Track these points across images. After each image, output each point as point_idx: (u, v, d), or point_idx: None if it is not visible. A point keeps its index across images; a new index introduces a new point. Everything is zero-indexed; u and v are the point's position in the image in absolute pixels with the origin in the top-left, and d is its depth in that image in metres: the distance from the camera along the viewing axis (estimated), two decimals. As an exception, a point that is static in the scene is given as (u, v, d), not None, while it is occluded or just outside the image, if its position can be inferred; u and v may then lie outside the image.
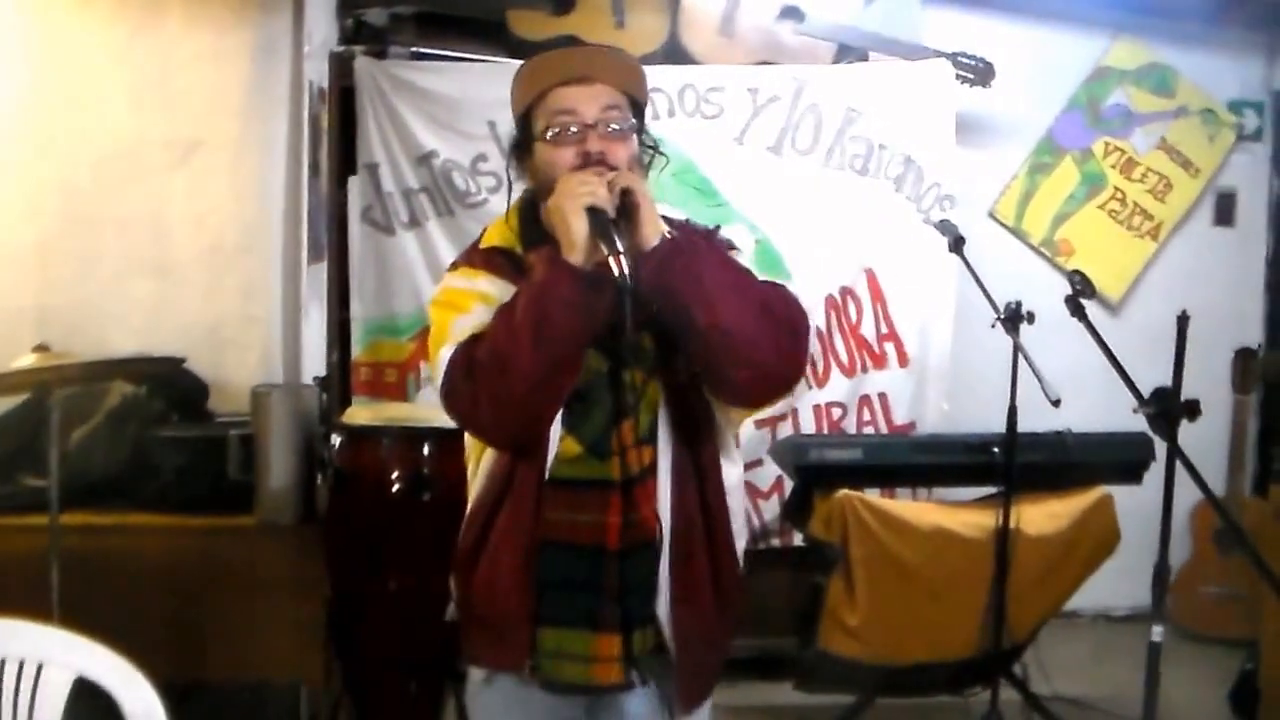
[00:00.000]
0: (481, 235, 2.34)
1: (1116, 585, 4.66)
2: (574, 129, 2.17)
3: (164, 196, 4.15)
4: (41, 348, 3.27)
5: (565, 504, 2.21)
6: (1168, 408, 3.08)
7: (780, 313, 2.18)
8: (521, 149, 2.26)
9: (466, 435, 2.28)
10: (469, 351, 2.09)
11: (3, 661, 2.30)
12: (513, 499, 2.19)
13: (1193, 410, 3.08)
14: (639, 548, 2.22)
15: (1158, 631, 3.21)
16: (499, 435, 2.17)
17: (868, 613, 4.11)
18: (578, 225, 2.05)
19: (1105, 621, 5.58)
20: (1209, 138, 5.56)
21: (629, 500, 2.22)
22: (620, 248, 2.02)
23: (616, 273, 2.00)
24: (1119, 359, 3.39)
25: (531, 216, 2.25)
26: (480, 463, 2.26)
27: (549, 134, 2.18)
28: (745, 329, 2.09)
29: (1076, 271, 3.43)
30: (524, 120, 2.24)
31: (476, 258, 2.25)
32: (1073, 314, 3.46)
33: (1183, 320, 3.30)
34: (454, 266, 2.28)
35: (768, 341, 2.12)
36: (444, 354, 2.12)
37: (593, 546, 2.21)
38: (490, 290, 2.18)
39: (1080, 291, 3.43)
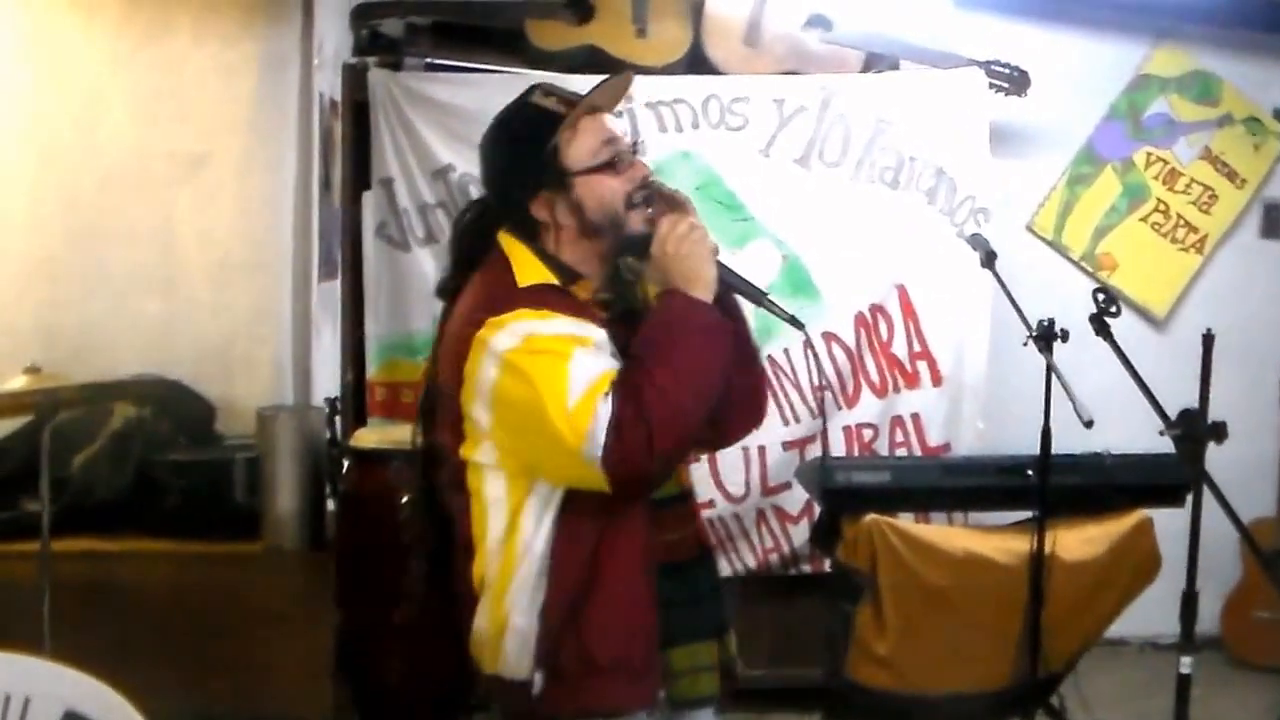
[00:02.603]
0: (503, 278, 2.21)
1: (1164, 612, 4.39)
2: (611, 157, 2.23)
3: (170, 212, 4.06)
4: (32, 369, 3.16)
5: (663, 525, 2.30)
6: (1194, 430, 2.92)
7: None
8: (552, 183, 2.21)
9: (495, 488, 2.19)
10: (632, 403, 2.05)
11: (-12, 695, 2.24)
12: (622, 534, 2.20)
13: (1220, 432, 2.92)
14: (704, 557, 2.43)
15: (1186, 663, 3.06)
16: (658, 478, 2.19)
17: (897, 641, 3.97)
18: (710, 270, 2.18)
19: (1153, 650, 5.39)
20: (1254, 147, 5.39)
21: (690, 512, 2.41)
22: (768, 293, 2.31)
23: (787, 317, 2.32)
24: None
25: (546, 253, 2.26)
26: (532, 510, 2.18)
27: (590, 165, 2.21)
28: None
29: (1101, 288, 3.29)
30: (548, 156, 2.20)
31: (534, 298, 2.17)
32: (1097, 333, 3.34)
33: (1208, 339, 3.17)
34: (498, 314, 2.13)
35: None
36: (600, 411, 2.04)
37: (687, 561, 2.36)
38: (572, 328, 2.14)
39: (1105, 309, 3.29)
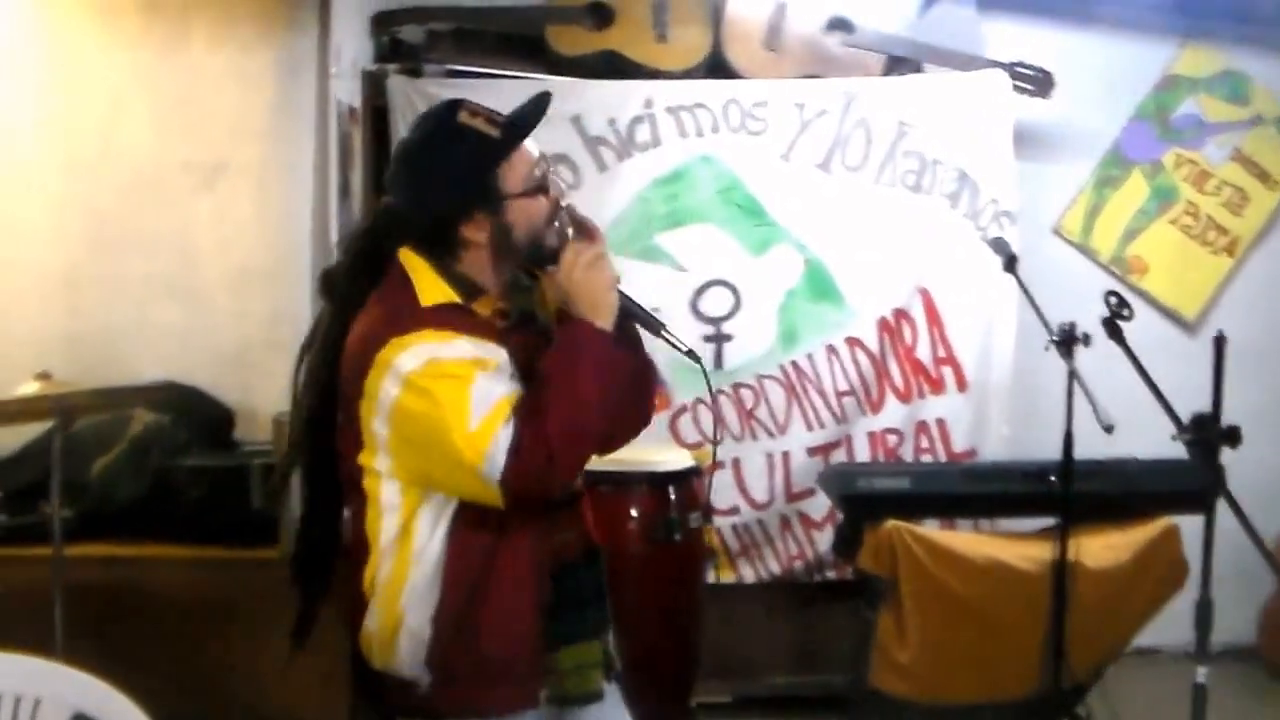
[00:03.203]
0: (405, 296, 2.23)
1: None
2: (540, 178, 2.27)
3: (189, 220, 4.06)
4: (43, 375, 3.18)
5: (553, 526, 2.33)
6: (1207, 434, 2.87)
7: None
8: (488, 206, 2.23)
9: (390, 493, 2.22)
10: (532, 427, 2.10)
11: (-1, 697, 2.26)
12: (516, 537, 2.24)
13: (1234, 437, 2.87)
14: (592, 557, 2.44)
15: (1202, 673, 3.00)
16: (553, 493, 2.23)
17: (919, 649, 3.95)
18: (612, 298, 2.23)
19: (1187, 659, 5.27)
20: (1287, 147, 5.30)
21: (579, 514, 2.44)
22: (661, 322, 2.35)
23: (685, 349, 2.34)
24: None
25: (452, 270, 2.28)
26: (426, 518, 2.22)
27: (525, 189, 2.24)
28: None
29: (1112, 293, 3.25)
30: (488, 180, 2.22)
31: (437, 319, 2.20)
32: (1110, 336, 3.29)
33: (1220, 342, 3.10)
34: (401, 333, 2.15)
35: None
36: (501, 435, 2.09)
37: (575, 562, 2.38)
38: (475, 351, 2.18)
39: (1118, 312, 3.24)
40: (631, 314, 2.32)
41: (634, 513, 3.83)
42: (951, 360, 4.74)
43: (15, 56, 4.01)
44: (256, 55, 4.05)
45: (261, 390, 4.04)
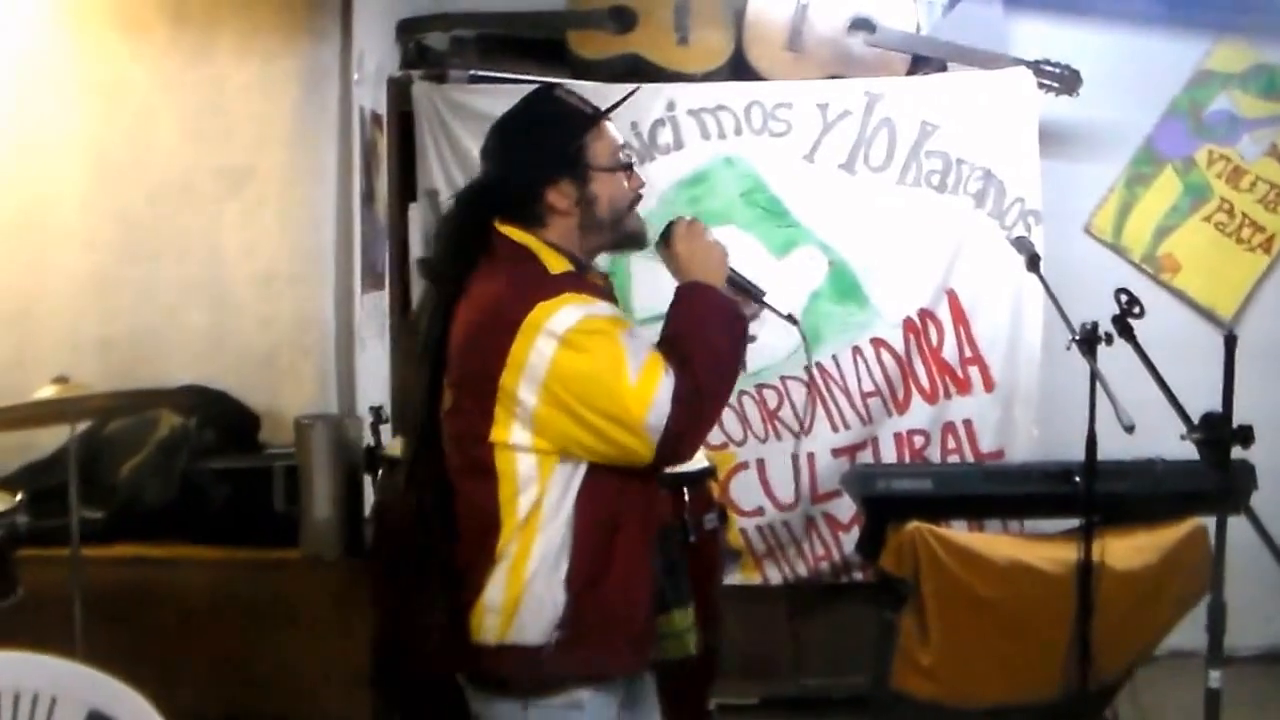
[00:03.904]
0: (530, 265, 2.32)
1: (1240, 623, 4.28)
2: (625, 160, 2.40)
3: (217, 226, 4.14)
4: (60, 379, 3.25)
5: (657, 497, 2.46)
6: (1219, 434, 2.83)
7: None
8: (574, 174, 2.33)
9: (526, 466, 2.25)
10: (684, 378, 2.21)
11: (16, 695, 2.31)
12: (637, 500, 2.33)
13: (1246, 436, 2.83)
14: (682, 524, 2.72)
15: (1215, 677, 2.95)
16: (698, 445, 2.38)
17: (942, 651, 3.93)
18: (724, 266, 2.40)
19: (1223, 663, 5.21)
20: (1322, 142, 5.22)
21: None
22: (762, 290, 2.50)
23: (785, 315, 2.53)
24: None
25: (550, 241, 2.36)
26: (558, 485, 2.27)
27: (610, 164, 2.36)
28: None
29: (1123, 290, 3.20)
30: (575, 148, 2.34)
31: (572, 284, 2.30)
32: (1120, 334, 3.25)
33: (1230, 340, 3.05)
34: (545, 297, 2.23)
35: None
36: (664, 384, 2.18)
37: (669, 527, 2.62)
38: (611, 312, 2.30)
39: (1128, 310, 3.21)
40: (734, 282, 2.44)
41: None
42: (978, 360, 4.71)
43: (47, 68, 4.11)
44: (281, 63, 4.13)
45: (287, 393, 4.12)
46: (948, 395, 4.73)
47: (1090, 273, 4.86)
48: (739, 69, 4.76)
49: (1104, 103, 5.00)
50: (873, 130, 4.65)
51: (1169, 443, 3.63)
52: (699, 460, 4.03)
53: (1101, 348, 3.54)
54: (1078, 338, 3.58)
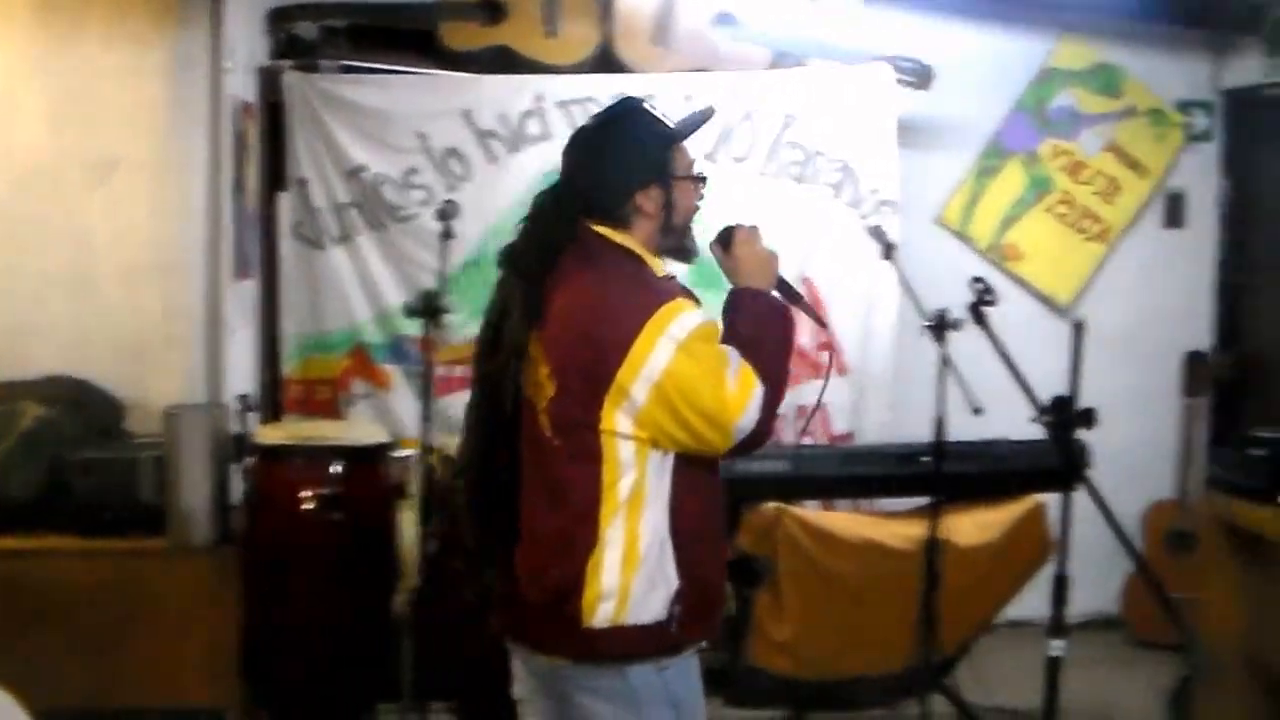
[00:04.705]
0: (636, 265, 2.44)
1: (1070, 594, 4.55)
2: (699, 173, 2.58)
3: (84, 214, 4.13)
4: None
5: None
6: (1065, 416, 3.01)
7: None
8: (661, 180, 2.47)
9: (627, 452, 2.36)
10: (769, 385, 2.39)
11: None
12: (712, 479, 2.50)
13: (1089, 419, 3.01)
14: None
15: (1057, 646, 3.11)
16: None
17: (797, 627, 4.06)
18: (775, 272, 2.55)
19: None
20: (1157, 139, 5.48)
21: None
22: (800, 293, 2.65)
23: (815, 317, 2.73)
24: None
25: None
26: (653, 469, 2.39)
27: (690, 174, 2.54)
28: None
29: (978, 279, 3.36)
30: (665, 156, 2.49)
31: (680, 288, 2.47)
32: (975, 322, 3.41)
33: (1078, 326, 3.22)
34: (664, 301, 2.36)
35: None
36: (757, 393, 2.36)
37: None
38: (710, 318, 2.43)
39: (982, 298, 3.37)
40: (780, 285, 2.60)
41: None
42: (832, 345, 4.86)
43: (-94, 54, 4.04)
44: (150, 51, 4.12)
45: (154, 383, 4.12)
46: (803, 380, 4.88)
47: (939, 261, 5.04)
48: (606, 62, 4.87)
49: (957, 98, 5.21)
50: (736, 122, 4.80)
51: (1012, 424, 3.82)
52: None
53: (951, 333, 3.73)
54: (930, 324, 3.77)
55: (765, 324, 2.47)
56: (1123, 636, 5.38)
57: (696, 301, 2.45)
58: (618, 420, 2.35)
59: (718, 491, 2.55)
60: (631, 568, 2.37)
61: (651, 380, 2.32)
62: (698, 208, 2.56)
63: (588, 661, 2.41)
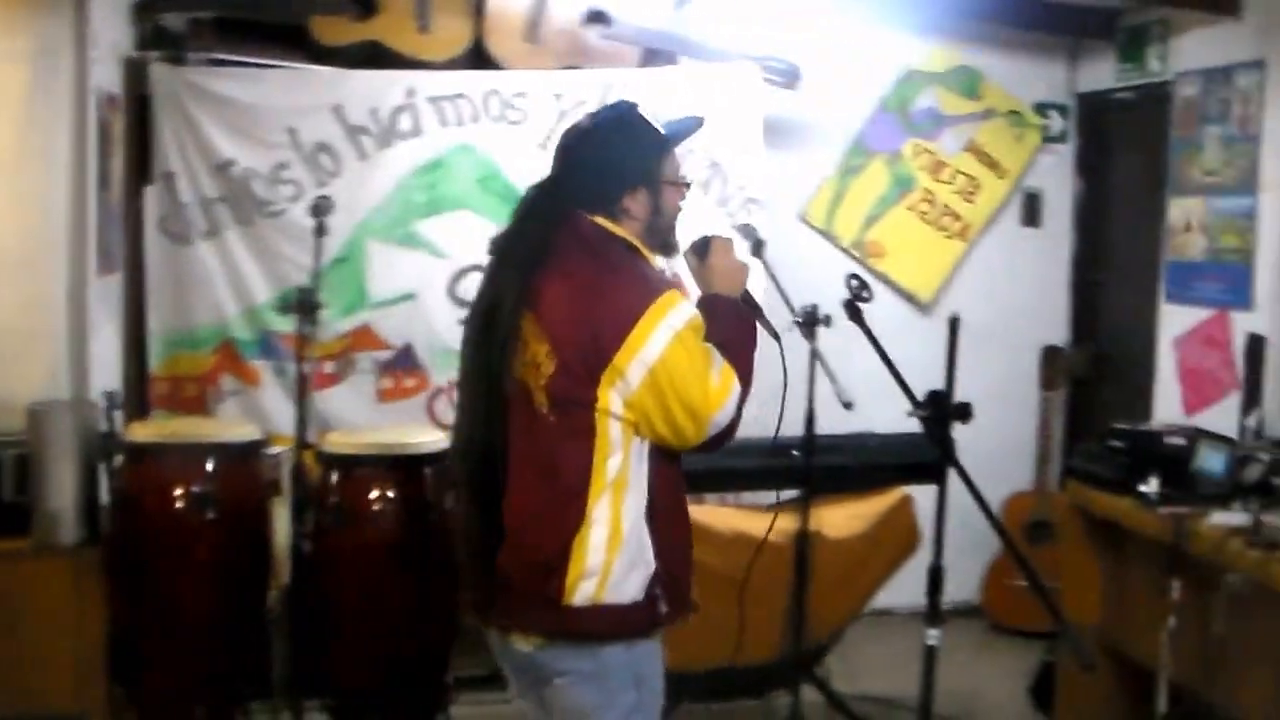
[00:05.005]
0: (634, 256, 2.57)
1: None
2: (684, 179, 2.72)
3: (-59, 208, 4.00)
4: None
5: None
6: (941, 411, 3.10)
7: None
8: (650, 183, 2.60)
9: (616, 432, 2.47)
10: (743, 383, 2.57)
11: None
12: (679, 472, 2.63)
13: (965, 413, 3.10)
14: None
15: (933, 635, 3.19)
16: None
17: (667, 619, 4.11)
18: (744, 282, 2.72)
19: (918, 619, 5.61)
20: (1015, 139, 5.65)
21: None
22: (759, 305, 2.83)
23: (772, 331, 2.78)
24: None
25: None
26: (637, 452, 2.50)
27: (674, 179, 2.66)
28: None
29: (854, 275, 3.44)
30: (655, 161, 2.62)
31: (675, 280, 2.72)
32: (850, 318, 3.47)
33: (954, 322, 3.31)
34: (662, 291, 2.49)
35: None
36: (734, 390, 2.53)
37: None
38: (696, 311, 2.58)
39: (858, 294, 3.44)
40: (744, 297, 2.74)
41: (390, 494, 3.87)
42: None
43: None
44: (10, 39, 4.00)
45: (17, 379, 4.00)
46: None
47: (806, 259, 5.16)
48: (478, 58, 4.87)
49: (823, 98, 5.33)
50: (606, 120, 4.82)
51: (884, 418, 3.92)
52: (439, 440, 4.12)
53: (820, 329, 3.82)
54: (799, 320, 3.84)
55: (737, 329, 2.63)
56: (983, 624, 5.55)
57: (686, 295, 2.59)
58: (611, 400, 2.46)
59: (683, 483, 2.67)
60: (615, 548, 2.48)
61: (646, 365, 2.44)
62: (681, 209, 2.67)
63: (562, 640, 2.50)
